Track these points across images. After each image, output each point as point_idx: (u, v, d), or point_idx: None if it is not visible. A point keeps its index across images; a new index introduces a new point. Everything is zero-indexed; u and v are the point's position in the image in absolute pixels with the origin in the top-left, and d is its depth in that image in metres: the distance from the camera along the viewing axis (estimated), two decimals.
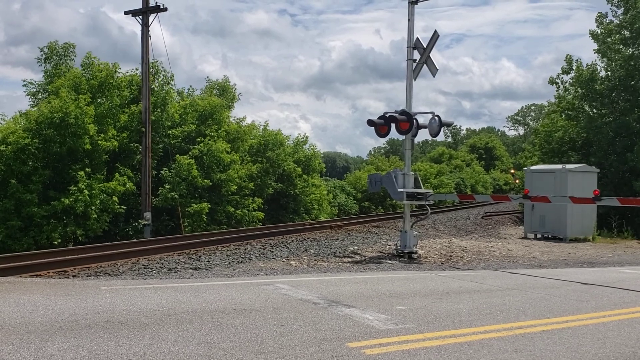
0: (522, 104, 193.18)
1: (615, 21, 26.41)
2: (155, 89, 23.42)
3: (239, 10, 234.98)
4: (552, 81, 28.32)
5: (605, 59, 26.51)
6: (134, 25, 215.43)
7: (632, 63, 25.21)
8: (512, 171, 45.39)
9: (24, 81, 22.72)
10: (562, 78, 28.04)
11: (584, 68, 26.78)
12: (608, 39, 25.96)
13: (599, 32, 26.51)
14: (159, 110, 22.95)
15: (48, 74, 22.39)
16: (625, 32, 25.95)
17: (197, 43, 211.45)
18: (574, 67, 27.27)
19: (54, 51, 22.60)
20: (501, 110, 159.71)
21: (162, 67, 24.22)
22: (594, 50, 27.01)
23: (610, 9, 26.99)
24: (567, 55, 27.67)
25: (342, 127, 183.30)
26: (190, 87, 29.23)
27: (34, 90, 22.39)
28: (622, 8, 26.53)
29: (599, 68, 26.71)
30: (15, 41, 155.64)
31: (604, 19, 26.64)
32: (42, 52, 22.56)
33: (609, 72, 26.25)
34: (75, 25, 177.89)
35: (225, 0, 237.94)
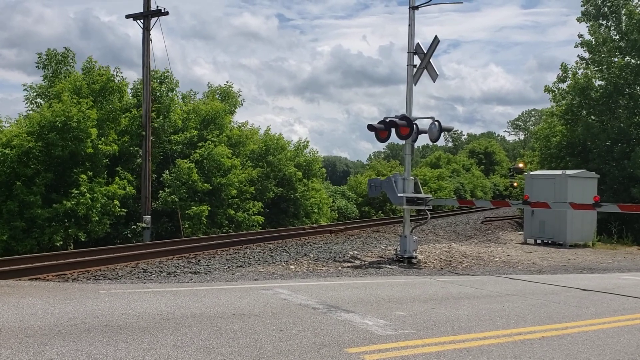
0: (516, 108, 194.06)
1: (599, 32, 26.57)
2: (162, 96, 23.43)
3: (233, 15, 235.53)
4: (547, 89, 28.46)
5: (599, 68, 26.66)
6: (126, 29, 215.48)
7: (628, 71, 25.36)
8: (521, 165, 44.95)
9: (24, 85, 22.79)
10: (558, 86, 28.20)
11: (579, 76, 26.90)
12: (602, 47, 26.07)
13: (593, 42, 26.62)
14: (161, 117, 22.96)
15: (48, 78, 22.44)
16: (620, 43, 26.09)
17: (189, 46, 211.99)
18: (570, 75, 27.41)
19: (52, 58, 22.63)
20: (494, 116, 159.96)
21: (168, 74, 24.16)
22: (588, 58, 27.15)
23: (587, 25, 27.20)
24: (562, 63, 27.85)
25: (339, 131, 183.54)
26: (191, 90, 29.11)
27: (34, 94, 22.41)
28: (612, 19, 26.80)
29: (589, 73, 26.85)
30: (7, 44, 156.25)
31: (597, 29, 26.76)
32: (40, 58, 22.61)
33: (602, 82, 26.37)
34: (67, 29, 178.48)
35: (218, 4, 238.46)
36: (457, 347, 5.67)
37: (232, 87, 29.27)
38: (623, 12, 26.03)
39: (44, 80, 22.57)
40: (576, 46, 27.24)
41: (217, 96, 28.50)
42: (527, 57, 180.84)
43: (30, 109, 22.27)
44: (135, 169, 21.79)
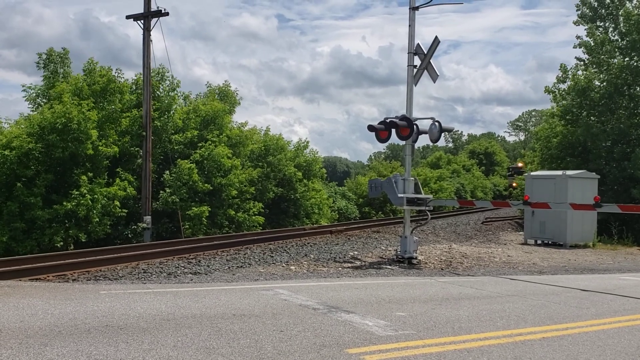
0: (516, 109, 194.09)
1: (598, 34, 26.52)
2: (161, 95, 23.44)
3: (233, 15, 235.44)
4: (548, 90, 28.40)
5: (597, 69, 26.66)
6: (126, 29, 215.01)
7: (628, 72, 25.36)
8: (520, 164, 45.50)
9: (23, 86, 22.85)
10: (558, 87, 28.16)
11: (579, 76, 26.86)
12: (601, 49, 26.05)
13: (592, 43, 26.61)
14: (165, 116, 22.97)
15: (49, 79, 22.49)
16: (620, 43, 26.09)
17: (189, 47, 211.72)
18: (570, 76, 27.38)
19: (52, 57, 22.70)
20: (494, 116, 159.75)
21: (168, 74, 24.19)
22: (586, 60, 27.12)
23: (585, 28, 27.18)
24: (561, 64, 27.89)
25: (339, 132, 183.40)
26: (198, 93, 29.20)
27: (34, 94, 22.47)
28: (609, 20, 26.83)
29: (588, 74, 26.81)
30: (7, 45, 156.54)
31: (594, 31, 26.75)
32: (40, 58, 22.68)
33: (603, 83, 26.37)
34: (67, 29, 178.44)
35: (218, 4, 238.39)
36: (458, 348, 5.67)
37: (230, 87, 29.40)
38: (620, 12, 26.01)
39: (43, 80, 22.64)
40: (575, 47, 27.29)
41: (216, 96, 28.55)
42: (527, 57, 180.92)
43: (32, 108, 22.37)
44: (135, 169, 21.81)
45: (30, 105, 22.53)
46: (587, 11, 27.38)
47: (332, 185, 36.84)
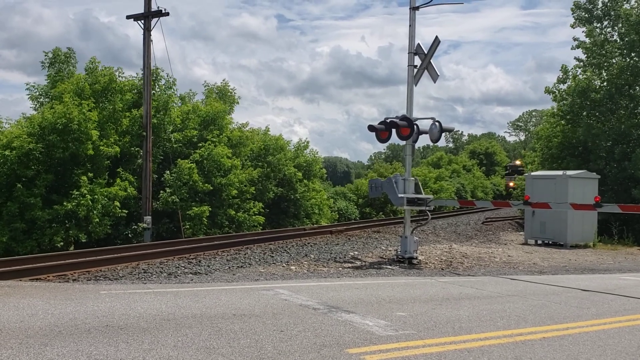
0: (516, 109, 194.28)
1: (596, 34, 26.50)
2: (156, 93, 23.44)
3: (232, 15, 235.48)
4: (548, 90, 28.40)
5: (596, 71, 26.66)
6: (125, 29, 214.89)
7: (628, 72, 25.36)
8: (518, 162, 46.14)
9: (27, 84, 22.91)
10: (558, 87, 28.15)
11: (580, 76, 26.83)
12: (601, 50, 26.03)
13: (588, 43, 26.60)
14: (161, 113, 22.97)
15: (52, 78, 22.53)
16: (619, 43, 26.10)
17: (189, 47, 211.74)
18: (570, 77, 27.37)
19: (58, 57, 22.76)
20: (494, 116, 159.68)
21: (164, 73, 24.21)
22: (585, 60, 27.09)
23: (583, 31, 27.19)
24: (562, 65, 27.92)
25: (339, 132, 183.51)
26: (190, 90, 29.10)
27: (37, 93, 22.52)
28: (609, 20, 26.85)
29: (588, 75, 26.79)
30: (7, 45, 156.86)
31: (592, 32, 26.73)
32: (46, 57, 22.75)
33: (603, 83, 26.36)
34: (67, 29, 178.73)
35: (218, 4, 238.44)
36: (458, 348, 5.67)
37: (229, 85, 29.41)
38: (620, 12, 25.98)
39: (47, 79, 22.69)
40: (573, 48, 27.31)
41: (214, 95, 28.53)
42: (526, 58, 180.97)
43: (34, 107, 22.43)
44: (136, 169, 21.80)
45: (32, 105, 22.65)
46: (583, 13, 27.39)
47: (336, 188, 36.97)
